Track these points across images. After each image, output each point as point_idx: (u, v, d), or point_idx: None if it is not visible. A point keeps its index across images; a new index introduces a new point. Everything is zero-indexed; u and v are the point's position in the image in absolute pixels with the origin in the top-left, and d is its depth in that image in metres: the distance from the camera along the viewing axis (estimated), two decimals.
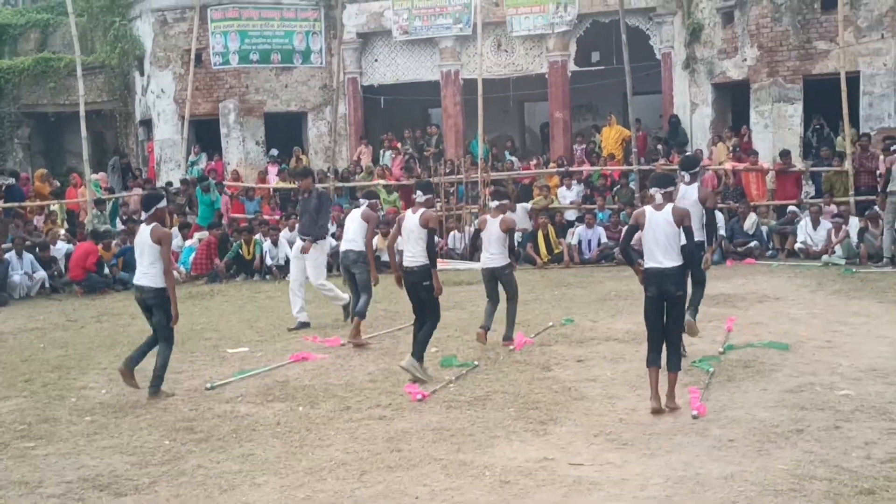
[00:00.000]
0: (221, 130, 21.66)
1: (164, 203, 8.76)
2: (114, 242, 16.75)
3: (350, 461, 6.33)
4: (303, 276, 11.62)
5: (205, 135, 21.93)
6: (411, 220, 8.76)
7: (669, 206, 7.37)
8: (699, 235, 8.84)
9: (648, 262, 7.37)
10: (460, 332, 10.59)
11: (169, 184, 19.24)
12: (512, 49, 21.47)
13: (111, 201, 19.62)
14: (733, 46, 18.93)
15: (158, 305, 8.40)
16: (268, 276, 16.70)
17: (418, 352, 8.59)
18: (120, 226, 18.35)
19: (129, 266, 16.27)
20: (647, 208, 7.48)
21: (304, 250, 11.49)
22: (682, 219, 7.28)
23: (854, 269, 14.22)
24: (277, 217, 18.74)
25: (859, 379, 7.85)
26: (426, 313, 8.73)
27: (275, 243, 16.95)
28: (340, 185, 19.99)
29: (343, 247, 11.06)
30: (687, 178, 8.98)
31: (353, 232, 10.94)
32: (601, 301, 12.61)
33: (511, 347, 9.72)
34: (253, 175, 21.07)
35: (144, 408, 8.06)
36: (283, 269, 16.79)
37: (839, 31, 17.23)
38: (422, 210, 8.78)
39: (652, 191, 7.54)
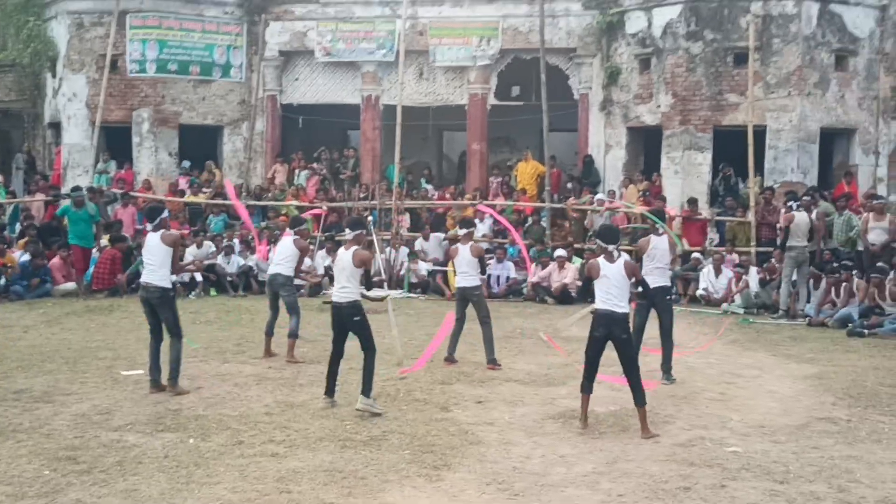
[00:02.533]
0: (133, 139, 21.15)
1: (167, 213, 10.00)
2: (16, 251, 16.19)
3: (237, 502, 6.20)
4: None
5: (116, 142, 21.41)
6: (344, 256, 8.94)
7: (622, 260, 8.21)
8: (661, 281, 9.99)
9: (601, 306, 8.11)
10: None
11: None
12: (433, 78, 21.57)
13: (12, 204, 19.00)
14: (648, 92, 19.38)
15: (162, 304, 9.34)
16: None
17: (366, 387, 8.61)
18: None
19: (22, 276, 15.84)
20: (600, 260, 8.21)
21: None
22: (633, 273, 8.21)
23: (751, 320, 14.63)
24: (186, 232, 18.37)
25: (748, 435, 8.04)
26: (361, 346, 8.80)
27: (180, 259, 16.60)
28: (252, 203, 19.72)
29: (272, 270, 11.45)
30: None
31: (284, 257, 11.36)
32: (506, 339, 12.64)
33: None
34: (164, 187, 20.66)
35: (27, 432, 7.77)
36: (186, 286, 16.54)
37: (749, 85, 17.83)
38: (354, 248, 8.93)
39: (610, 248, 8.20)
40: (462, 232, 11.41)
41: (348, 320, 8.80)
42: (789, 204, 15.18)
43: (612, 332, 8.09)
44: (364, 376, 8.65)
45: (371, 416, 8.41)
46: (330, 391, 8.93)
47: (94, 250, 16.80)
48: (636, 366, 8.20)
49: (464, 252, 11.07)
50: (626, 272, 8.11)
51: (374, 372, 8.73)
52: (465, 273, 11.05)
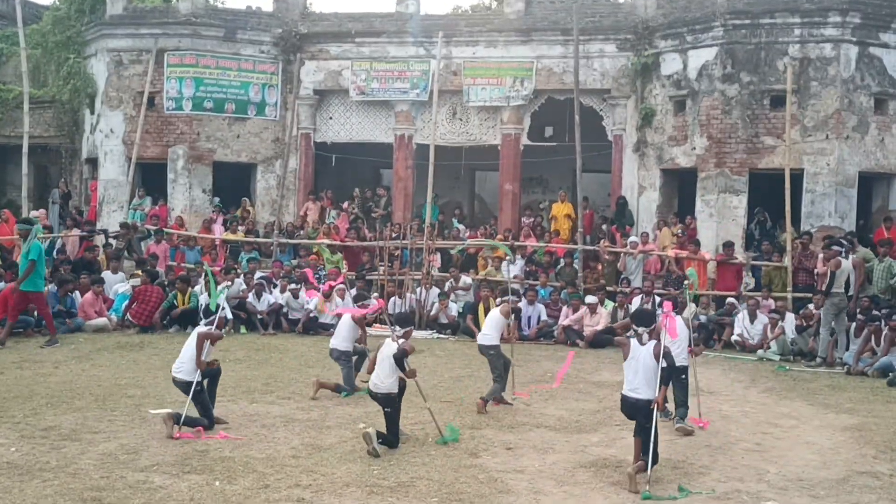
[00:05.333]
0: (168, 176, 21.35)
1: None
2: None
3: None
4: None
5: (151, 178, 21.63)
6: (388, 347, 9.02)
7: (653, 343, 7.96)
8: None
9: (625, 389, 8.03)
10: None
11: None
12: (466, 118, 21.60)
13: (47, 239, 19.13)
14: (683, 134, 19.25)
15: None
16: None
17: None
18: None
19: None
20: (633, 340, 8.05)
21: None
22: (657, 356, 7.92)
23: (787, 367, 14.32)
24: (219, 268, 18.38)
25: (786, 489, 7.80)
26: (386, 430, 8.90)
27: None
28: (284, 241, 19.75)
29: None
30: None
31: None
32: (536, 382, 12.48)
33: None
34: (197, 223, 20.79)
35: (53, 471, 7.71)
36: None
37: (786, 128, 17.66)
38: (401, 340, 9.07)
39: (640, 330, 8.06)
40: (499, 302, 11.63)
41: (381, 408, 8.98)
42: (834, 248, 14.84)
43: (634, 417, 8.05)
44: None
45: (398, 462, 8.28)
46: None
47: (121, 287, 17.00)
48: (647, 437, 7.82)
49: (493, 311, 11.24)
50: (654, 355, 7.93)
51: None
52: (486, 331, 11.05)
